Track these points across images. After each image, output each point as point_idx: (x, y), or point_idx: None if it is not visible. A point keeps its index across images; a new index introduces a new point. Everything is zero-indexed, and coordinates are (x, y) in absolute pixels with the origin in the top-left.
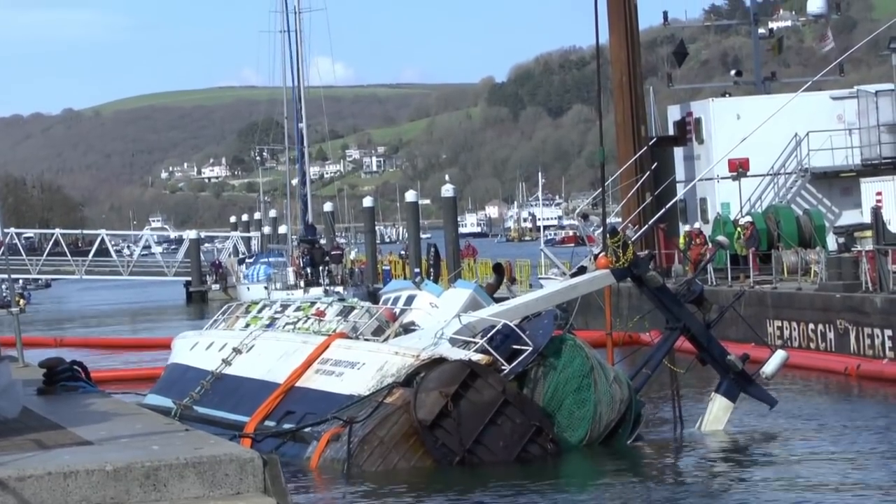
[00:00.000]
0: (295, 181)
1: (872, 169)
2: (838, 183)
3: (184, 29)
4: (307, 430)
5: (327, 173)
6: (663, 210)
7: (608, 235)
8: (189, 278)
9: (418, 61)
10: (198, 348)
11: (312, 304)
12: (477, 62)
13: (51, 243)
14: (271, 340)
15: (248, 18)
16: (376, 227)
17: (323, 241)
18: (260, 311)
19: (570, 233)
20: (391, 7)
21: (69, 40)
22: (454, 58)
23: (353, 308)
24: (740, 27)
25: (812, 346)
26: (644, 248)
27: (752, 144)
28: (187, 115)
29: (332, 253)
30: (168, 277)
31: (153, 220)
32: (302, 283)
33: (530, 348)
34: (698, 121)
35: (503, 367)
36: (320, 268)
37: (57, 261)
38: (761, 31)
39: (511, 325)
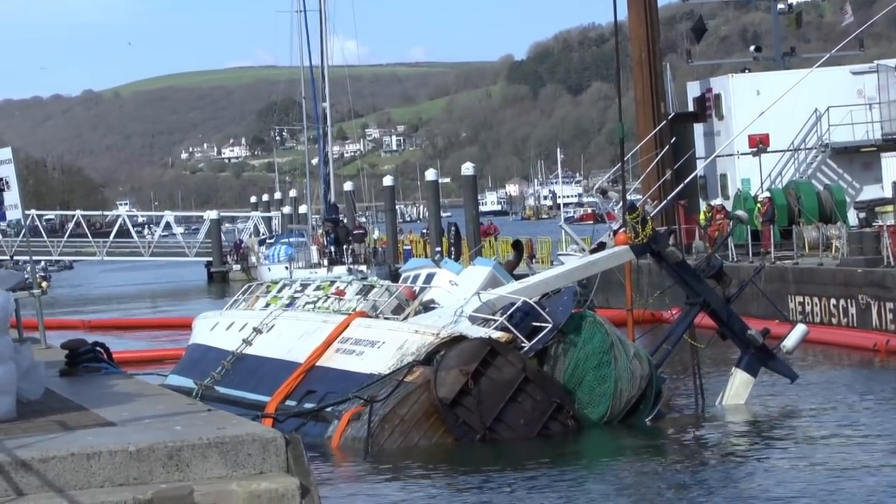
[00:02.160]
0: (315, 161)
1: (893, 143)
2: (859, 158)
3: (202, 9)
4: (328, 409)
5: (347, 153)
6: (682, 185)
7: (627, 211)
8: (210, 259)
9: (437, 40)
10: (218, 328)
11: (332, 283)
12: (496, 40)
13: (72, 224)
14: (291, 320)
15: None
16: (397, 206)
17: (344, 220)
18: (280, 290)
19: (589, 210)
20: None
21: (88, 22)
22: (473, 36)
23: (372, 287)
24: (759, 2)
25: (834, 321)
26: (664, 224)
27: (771, 120)
28: (206, 96)
29: (356, 232)
30: (189, 258)
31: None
32: (325, 262)
33: (550, 325)
34: (718, 97)
35: (523, 345)
36: (344, 247)
37: (78, 242)
38: (780, 5)
39: (530, 302)
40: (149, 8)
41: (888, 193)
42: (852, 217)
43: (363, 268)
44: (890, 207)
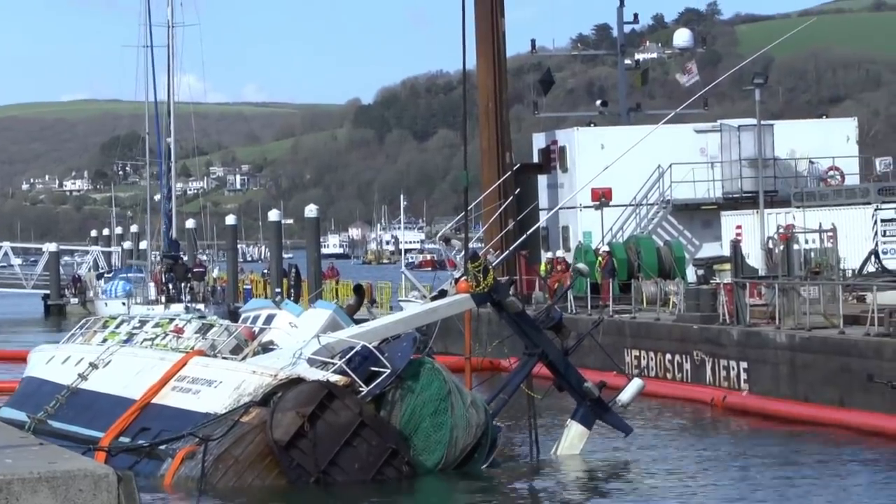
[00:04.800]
0: (157, 196)
1: (733, 202)
2: (699, 215)
3: (45, 40)
4: (162, 447)
5: (190, 190)
6: (525, 236)
7: (469, 260)
8: (48, 291)
9: (284, 80)
10: (54, 362)
11: (171, 320)
12: (343, 83)
13: None
14: (128, 356)
15: (112, 31)
16: (239, 246)
17: (185, 258)
18: (118, 326)
19: (429, 256)
20: (258, 26)
21: None
22: (320, 78)
23: (211, 326)
24: (607, 58)
25: (669, 375)
26: (505, 274)
27: (615, 174)
28: (49, 128)
29: (195, 270)
30: (26, 290)
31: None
32: (163, 299)
33: (388, 370)
34: (563, 149)
35: (361, 389)
36: (182, 284)
37: None
38: (627, 62)
39: (370, 346)
40: None
41: (726, 252)
42: (691, 274)
43: (201, 306)
44: (727, 266)
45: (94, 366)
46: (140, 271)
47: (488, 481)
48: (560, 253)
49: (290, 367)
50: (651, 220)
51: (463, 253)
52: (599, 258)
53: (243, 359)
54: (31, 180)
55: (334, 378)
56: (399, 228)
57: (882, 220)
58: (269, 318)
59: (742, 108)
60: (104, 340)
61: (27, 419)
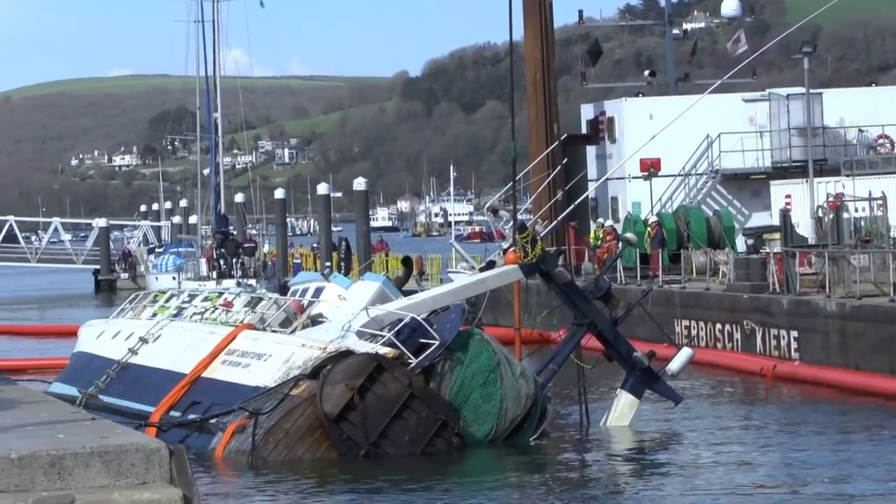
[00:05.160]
0: (206, 171)
1: (782, 171)
2: (748, 185)
3: (94, 15)
4: (213, 421)
5: (239, 164)
6: (573, 206)
7: (517, 231)
8: (98, 267)
9: (331, 54)
10: (104, 337)
11: (220, 294)
12: (391, 56)
13: None
14: (178, 330)
15: (156, 6)
16: (288, 220)
17: (234, 233)
18: (167, 300)
19: (477, 228)
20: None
21: None
22: (368, 52)
23: (260, 299)
24: (655, 28)
25: (719, 345)
26: (553, 245)
27: (664, 145)
28: (98, 103)
29: (246, 245)
30: (76, 265)
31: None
32: (215, 275)
33: (437, 342)
34: (611, 120)
35: (410, 361)
36: (233, 259)
37: None
38: (675, 31)
39: (418, 318)
40: (40, 12)
41: (776, 221)
42: (740, 243)
43: (252, 281)
44: (777, 235)
45: (144, 340)
46: (190, 246)
47: (538, 452)
48: (609, 223)
49: (339, 339)
50: (700, 190)
51: (511, 224)
52: (649, 228)
53: (292, 332)
54: (81, 156)
55: (383, 350)
56: (448, 200)
57: None
58: (318, 291)
59: (791, 77)
60: (154, 315)
61: (78, 394)
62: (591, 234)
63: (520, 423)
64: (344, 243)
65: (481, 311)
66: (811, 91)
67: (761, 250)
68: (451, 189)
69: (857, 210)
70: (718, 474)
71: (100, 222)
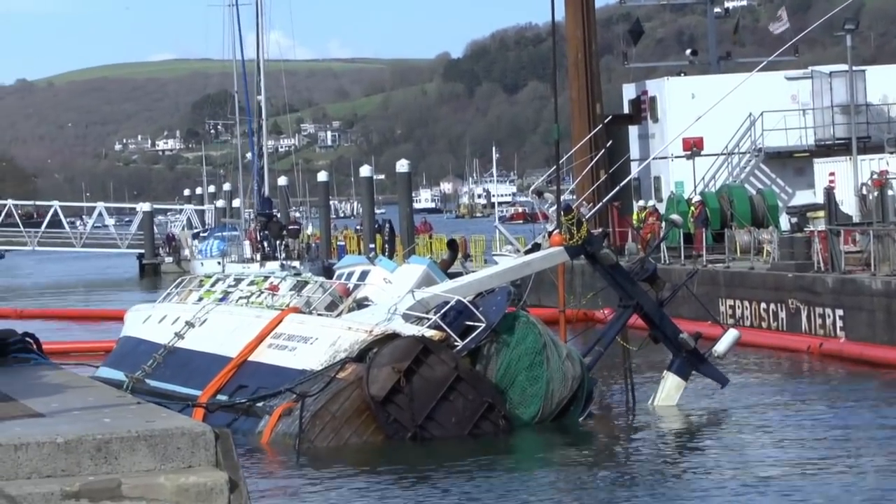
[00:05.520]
0: (249, 155)
1: (826, 149)
2: (792, 163)
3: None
4: (259, 404)
5: (282, 147)
6: (617, 188)
7: (562, 213)
8: (142, 251)
9: (373, 36)
10: (150, 321)
11: (266, 278)
12: (432, 38)
13: (3, 214)
14: (224, 314)
15: None
16: (331, 202)
17: (278, 215)
18: (213, 284)
19: (520, 209)
20: None
21: (22, 11)
22: (410, 33)
23: (306, 283)
24: (696, 6)
25: (763, 325)
26: (598, 226)
27: (706, 124)
28: (140, 87)
29: (290, 227)
30: (121, 250)
31: None
32: (258, 257)
33: (483, 325)
34: (653, 99)
35: (456, 344)
36: (277, 242)
37: (9, 232)
38: (717, 10)
39: (464, 301)
40: None
41: (820, 199)
42: (784, 222)
43: (296, 263)
44: (821, 213)
45: (190, 324)
46: (234, 229)
47: (584, 434)
48: (652, 203)
49: (385, 322)
50: (743, 169)
51: (555, 206)
52: (692, 208)
53: (338, 315)
54: (124, 140)
55: (429, 333)
56: (491, 182)
57: None
58: (364, 275)
59: (833, 55)
60: (200, 299)
61: (125, 378)
62: (634, 216)
63: (566, 404)
64: (387, 225)
65: (526, 293)
66: (854, 68)
67: (805, 229)
68: (494, 170)
69: None
70: (768, 453)
71: (144, 207)
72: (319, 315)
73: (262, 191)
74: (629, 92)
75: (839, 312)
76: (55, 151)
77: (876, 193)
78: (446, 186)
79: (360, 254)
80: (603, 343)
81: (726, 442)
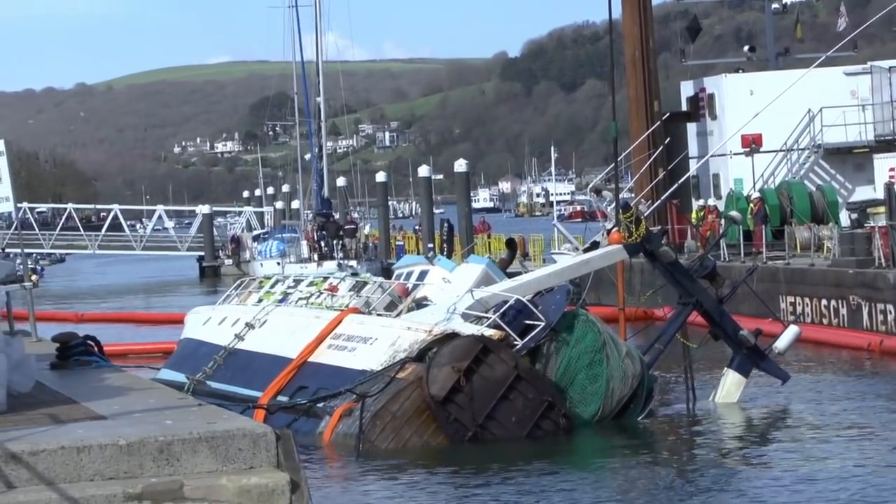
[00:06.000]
0: (307, 156)
1: (886, 145)
2: (851, 159)
3: (193, 3)
4: (320, 405)
5: (340, 148)
6: (676, 185)
7: (621, 211)
8: (202, 253)
9: (430, 37)
10: (210, 323)
11: (325, 279)
12: (489, 37)
13: (63, 218)
14: (284, 315)
15: None
16: (389, 202)
17: (336, 216)
18: (272, 286)
19: (578, 208)
20: None
21: (81, 14)
22: (467, 33)
23: (365, 283)
24: (754, 2)
25: (825, 321)
26: (656, 224)
27: (765, 120)
28: (199, 90)
29: (347, 227)
30: (181, 252)
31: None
32: (315, 257)
33: (543, 323)
34: (711, 96)
35: (515, 343)
36: (335, 242)
37: (70, 235)
38: (775, 6)
39: (523, 300)
40: (140, 1)
41: (880, 195)
42: (844, 218)
43: (353, 263)
44: (882, 209)
45: (250, 326)
46: (294, 231)
47: (645, 432)
48: (711, 201)
49: (444, 322)
50: (802, 165)
51: (614, 204)
52: (751, 205)
53: (398, 315)
54: (183, 143)
55: (489, 332)
56: (549, 180)
57: None
58: (423, 275)
59: (892, 49)
60: (259, 301)
61: (186, 380)
62: (693, 214)
63: (626, 403)
64: (446, 225)
65: (585, 292)
66: None
67: (866, 224)
68: (553, 169)
69: None
70: (832, 450)
71: (203, 209)
72: (379, 315)
73: (322, 192)
74: (687, 89)
75: None
76: (114, 155)
77: None
78: (504, 186)
79: (418, 254)
80: (662, 341)
81: (787, 439)
